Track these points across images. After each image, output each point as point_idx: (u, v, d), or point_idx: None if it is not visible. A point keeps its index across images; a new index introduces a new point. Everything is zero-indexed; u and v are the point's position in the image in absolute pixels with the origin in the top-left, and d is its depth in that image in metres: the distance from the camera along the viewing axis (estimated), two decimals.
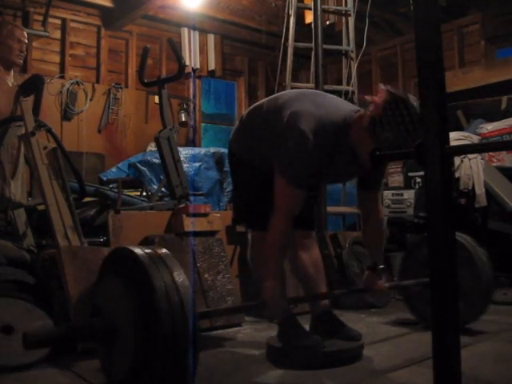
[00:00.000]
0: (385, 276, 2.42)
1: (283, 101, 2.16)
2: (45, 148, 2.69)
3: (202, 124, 7.00)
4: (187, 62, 6.31)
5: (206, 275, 2.87)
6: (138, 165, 4.86)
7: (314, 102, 2.11)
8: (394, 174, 5.24)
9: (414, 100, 1.84)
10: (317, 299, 2.36)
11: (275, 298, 2.01)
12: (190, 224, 2.97)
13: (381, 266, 2.35)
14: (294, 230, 2.32)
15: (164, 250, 1.71)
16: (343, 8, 4.70)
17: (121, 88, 6.08)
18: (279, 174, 2.04)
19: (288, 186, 2.02)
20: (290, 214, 2.05)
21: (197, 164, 5.01)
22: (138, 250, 1.67)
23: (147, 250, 1.67)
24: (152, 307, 1.53)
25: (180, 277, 1.60)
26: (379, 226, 2.35)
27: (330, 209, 4.03)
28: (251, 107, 2.40)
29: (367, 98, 1.94)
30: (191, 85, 6.65)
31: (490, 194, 4.21)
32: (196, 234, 2.98)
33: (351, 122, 2.01)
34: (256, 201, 2.27)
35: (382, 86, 1.90)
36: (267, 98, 2.32)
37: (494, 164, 4.58)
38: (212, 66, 6.82)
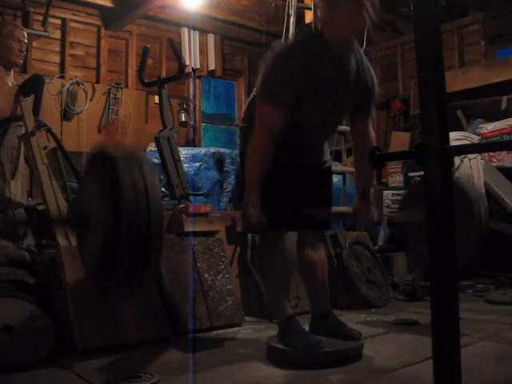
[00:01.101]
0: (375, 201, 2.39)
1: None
2: (45, 148, 2.69)
3: (202, 124, 7.00)
4: (187, 62, 6.31)
5: (206, 275, 2.87)
6: None
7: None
8: (394, 174, 5.25)
9: None
10: (318, 299, 2.37)
11: (255, 210, 2.03)
12: (189, 224, 2.97)
13: (372, 192, 2.31)
14: (305, 229, 2.33)
15: (139, 152, 1.83)
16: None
17: (121, 88, 6.08)
18: (258, 99, 2.10)
19: (265, 104, 2.07)
20: (269, 129, 2.05)
21: (197, 164, 5.01)
22: (111, 150, 1.78)
23: (121, 151, 1.79)
24: (119, 203, 1.65)
25: (150, 176, 1.72)
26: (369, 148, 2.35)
27: None
28: (246, 106, 2.45)
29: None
30: (191, 85, 6.65)
31: (490, 193, 4.22)
32: (196, 233, 2.99)
33: (315, 28, 2.14)
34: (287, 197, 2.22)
35: None
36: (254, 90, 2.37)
37: (494, 164, 4.58)
38: (212, 66, 6.82)
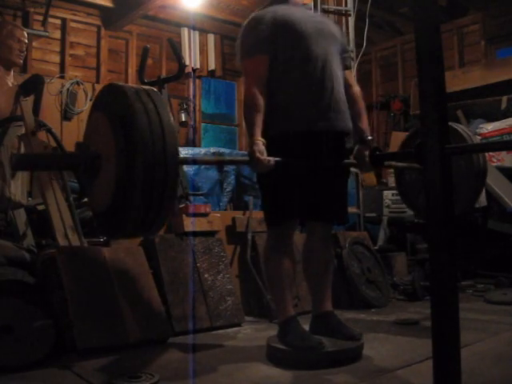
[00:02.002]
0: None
1: None
2: (45, 148, 2.69)
3: (202, 124, 7.00)
4: (187, 62, 6.31)
5: (206, 275, 2.87)
6: None
7: None
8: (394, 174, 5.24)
9: None
10: (320, 299, 2.37)
11: (260, 153, 2.01)
12: (190, 224, 2.97)
13: (369, 137, 2.28)
14: (315, 221, 2.31)
15: (152, 89, 1.81)
16: (343, 8, 4.70)
17: None
18: (239, 61, 2.25)
19: (244, 59, 2.21)
20: (254, 78, 2.15)
21: None
22: (125, 86, 1.77)
23: (134, 87, 1.78)
24: (134, 139, 1.60)
25: (164, 113, 1.69)
26: (357, 97, 2.37)
27: None
28: None
29: None
30: (191, 85, 6.64)
31: (490, 194, 4.21)
32: (196, 233, 2.99)
33: None
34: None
35: None
36: None
37: (494, 164, 4.58)
38: (212, 66, 6.82)
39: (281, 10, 2.26)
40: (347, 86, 2.35)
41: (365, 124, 2.34)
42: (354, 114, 2.33)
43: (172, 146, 1.66)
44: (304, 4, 2.45)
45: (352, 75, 2.45)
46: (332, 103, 2.21)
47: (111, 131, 1.70)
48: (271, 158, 2.02)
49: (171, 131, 1.68)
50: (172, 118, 1.74)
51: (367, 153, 2.22)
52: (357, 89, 2.39)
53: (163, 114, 1.68)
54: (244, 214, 3.43)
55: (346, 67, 2.38)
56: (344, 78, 2.34)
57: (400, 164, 2.53)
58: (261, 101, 2.12)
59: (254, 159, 2.01)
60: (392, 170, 5.19)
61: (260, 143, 2.03)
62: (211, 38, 6.82)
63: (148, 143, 1.61)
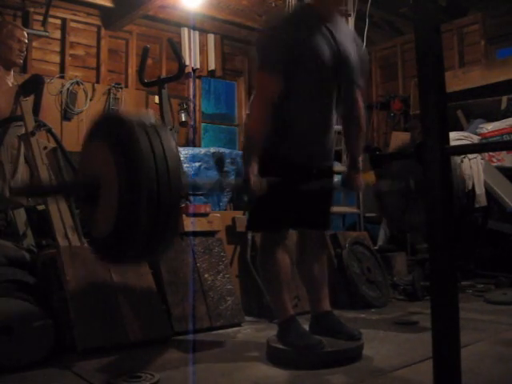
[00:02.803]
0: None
1: None
2: (45, 148, 2.69)
3: (202, 124, 7.00)
4: (187, 62, 6.30)
5: (206, 275, 2.87)
6: None
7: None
8: None
9: None
10: (317, 299, 2.37)
11: (255, 177, 2.02)
12: (190, 224, 2.97)
13: (360, 162, 2.35)
14: (305, 228, 2.32)
15: (153, 119, 1.80)
16: (343, 8, 4.69)
17: (121, 88, 6.07)
18: (256, 70, 2.22)
19: (260, 72, 2.15)
20: (264, 96, 2.10)
21: (197, 164, 5.00)
22: (125, 116, 1.78)
23: (134, 117, 1.78)
24: (137, 167, 1.60)
25: (167, 141, 1.69)
26: (360, 121, 2.35)
27: None
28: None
29: None
30: (191, 85, 6.64)
31: (489, 193, 4.21)
32: (196, 233, 2.99)
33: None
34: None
35: None
36: None
37: (494, 164, 4.58)
38: (212, 66, 6.82)
39: (305, 29, 2.12)
40: (353, 105, 2.32)
41: (359, 150, 2.37)
42: (352, 137, 2.36)
43: (175, 174, 1.67)
44: (340, 14, 2.32)
45: (361, 97, 2.35)
46: (326, 143, 2.28)
47: (112, 159, 1.70)
48: (264, 180, 2.02)
49: (174, 157, 1.69)
50: (174, 143, 1.75)
51: (357, 176, 2.33)
52: (362, 112, 2.34)
53: (166, 144, 1.69)
54: (244, 214, 3.43)
55: (359, 87, 2.32)
56: (353, 96, 2.30)
57: (383, 187, 2.60)
58: (265, 126, 2.08)
59: (250, 183, 2.01)
60: None
61: (256, 168, 2.04)
62: (211, 38, 6.82)
63: (151, 174, 1.61)
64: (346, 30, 2.32)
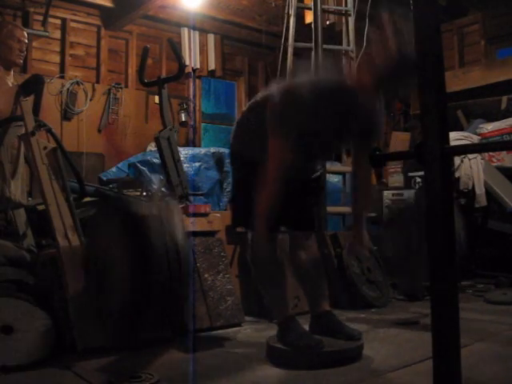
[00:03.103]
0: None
1: (275, 86, 2.20)
2: (45, 148, 2.69)
3: (202, 124, 7.00)
4: (187, 62, 6.31)
5: (206, 275, 2.87)
6: (138, 165, 4.85)
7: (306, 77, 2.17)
8: (394, 174, 5.25)
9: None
10: (315, 299, 2.36)
11: (262, 243, 2.08)
12: (190, 224, 2.97)
13: (365, 222, 2.36)
14: (294, 230, 2.33)
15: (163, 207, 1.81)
16: (343, 8, 4.70)
17: (121, 88, 6.08)
18: (270, 134, 2.06)
19: (277, 140, 2.04)
20: (280, 168, 2.05)
21: (197, 164, 5.01)
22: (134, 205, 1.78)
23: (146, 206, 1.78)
24: (150, 262, 1.64)
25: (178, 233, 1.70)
26: (368, 186, 2.40)
27: (329, 209, 4.03)
28: (247, 106, 2.43)
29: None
30: (191, 85, 6.64)
31: (489, 193, 4.22)
32: (196, 233, 2.98)
33: (350, 76, 2.08)
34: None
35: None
36: (257, 95, 2.34)
37: (494, 164, 4.58)
38: (212, 66, 6.82)
39: (323, 102, 2.02)
40: (360, 168, 2.32)
41: (364, 209, 2.38)
42: (359, 197, 2.36)
43: (186, 260, 1.71)
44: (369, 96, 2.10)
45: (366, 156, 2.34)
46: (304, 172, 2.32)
47: (122, 239, 1.74)
48: None
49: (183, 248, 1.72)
50: (183, 231, 1.79)
51: (363, 236, 2.33)
52: (367, 173, 2.35)
53: (177, 234, 1.72)
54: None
55: (368, 149, 2.24)
56: (360, 158, 2.31)
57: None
58: (281, 190, 2.05)
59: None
60: (392, 170, 5.20)
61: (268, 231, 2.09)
62: (211, 37, 6.82)
63: (163, 261, 1.65)
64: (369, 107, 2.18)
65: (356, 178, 2.39)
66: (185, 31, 6.53)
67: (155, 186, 4.49)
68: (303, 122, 2.03)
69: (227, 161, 5.14)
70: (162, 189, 4.02)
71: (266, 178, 2.06)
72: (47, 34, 5.61)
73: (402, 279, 2.99)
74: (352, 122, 2.12)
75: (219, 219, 3.17)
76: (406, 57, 1.85)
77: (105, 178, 4.71)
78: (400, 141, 6.11)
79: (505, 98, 5.30)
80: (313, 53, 4.20)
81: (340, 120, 2.09)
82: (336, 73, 2.13)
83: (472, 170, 4.24)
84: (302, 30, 4.93)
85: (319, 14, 4.21)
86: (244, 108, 2.49)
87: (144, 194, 4.17)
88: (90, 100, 5.84)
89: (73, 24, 5.90)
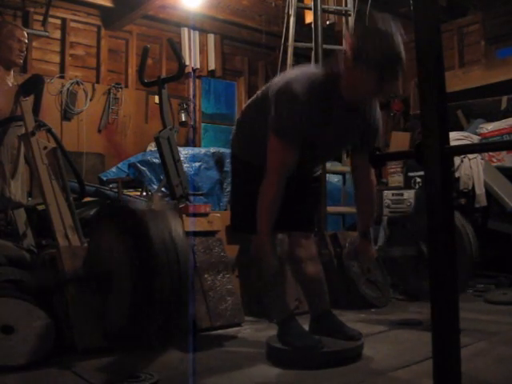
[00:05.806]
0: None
1: (271, 84, 2.18)
2: (45, 148, 2.69)
3: (202, 124, 7.00)
4: (187, 62, 6.31)
5: (205, 275, 2.87)
6: (138, 165, 4.86)
7: (299, 70, 2.16)
8: (394, 174, 5.25)
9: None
10: (315, 299, 2.36)
11: (265, 248, 2.06)
12: (190, 224, 2.97)
13: (371, 233, 2.37)
14: (293, 230, 2.33)
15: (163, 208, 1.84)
16: (343, 8, 4.70)
17: (121, 88, 6.08)
18: (270, 132, 2.04)
19: (278, 140, 2.02)
20: (282, 169, 2.04)
21: (197, 164, 5.01)
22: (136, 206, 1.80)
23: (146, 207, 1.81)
24: (150, 260, 1.64)
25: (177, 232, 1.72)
26: (371, 193, 2.34)
27: (329, 209, 4.03)
28: (245, 106, 2.42)
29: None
30: (191, 85, 6.65)
31: (490, 193, 4.21)
32: (196, 233, 2.98)
33: (335, 70, 2.05)
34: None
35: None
36: (257, 93, 2.32)
37: (494, 164, 4.58)
38: (212, 65, 6.82)
39: (320, 97, 2.03)
40: (363, 178, 2.29)
41: (369, 221, 2.38)
42: (365, 208, 2.35)
43: (186, 267, 1.72)
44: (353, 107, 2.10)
45: (368, 166, 2.24)
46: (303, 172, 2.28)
47: (126, 251, 1.75)
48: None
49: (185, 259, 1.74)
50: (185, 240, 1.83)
51: (369, 247, 2.36)
52: (373, 185, 2.32)
53: (177, 238, 1.74)
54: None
55: (366, 154, 2.23)
56: (358, 165, 2.28)
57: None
58: (282, 194, 2.05)
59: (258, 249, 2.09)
60: (392, 170, 5.19)
61: (269, 243, 2.09)
62: (211, 38, 6.82)
63: (165, 267, 1.66)
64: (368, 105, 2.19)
65: (358, 190, 2.35)
66: (185, 31, 6.53)
67: (155, 186, 4.49)
68: (296, 121, 2.02)
69: (227, 161, 5.14)
70: (162, 189, 4.02)
71: (268, 180, 2.05)
72: (47, 33, 5.61)
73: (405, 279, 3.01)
74: (351, 123, 2.13)
75: (219, 219, 3.17)
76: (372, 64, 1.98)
77: (105, 178, 4.72)
78: (400, 141, 6.11)
79: (505, 98, 5.30)
80: (313, 53, 4.20)
81: (339, 120, 2.08)
82: (330, 72, 2.12)
83: (472, 170, 4.24)
84: (302, 30, 4.94)
85: (319, 14, 4.21)
86: (244, 106, 2.48)
87: (144, 193, 4.18)
88: (90, 100, 5.84)
89: (73, 24, 5.90)
